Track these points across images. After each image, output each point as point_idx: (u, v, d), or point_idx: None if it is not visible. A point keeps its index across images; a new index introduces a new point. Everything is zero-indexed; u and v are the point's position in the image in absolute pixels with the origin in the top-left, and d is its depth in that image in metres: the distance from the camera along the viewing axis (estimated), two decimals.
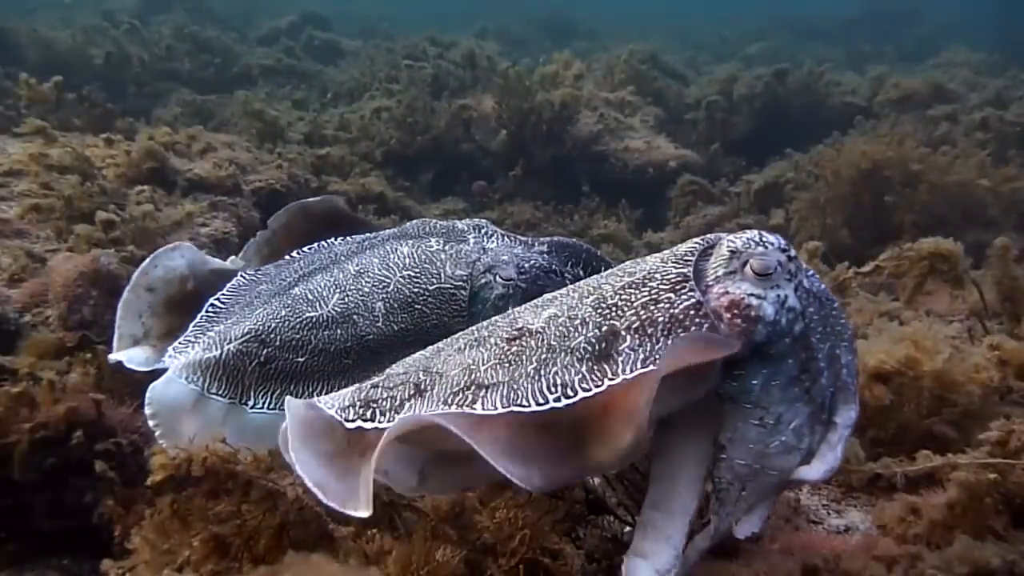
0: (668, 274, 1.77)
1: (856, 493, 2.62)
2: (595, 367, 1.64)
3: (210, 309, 2.38)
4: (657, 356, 1.62)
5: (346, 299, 2.26)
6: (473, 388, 1.66)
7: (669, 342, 1.64)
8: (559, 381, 1.62)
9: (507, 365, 1.69)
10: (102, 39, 11.14)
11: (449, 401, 1.65)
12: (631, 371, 1.60)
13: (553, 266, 2.43)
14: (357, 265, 2.34)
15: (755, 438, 1.70)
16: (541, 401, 1.59)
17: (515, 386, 1.63)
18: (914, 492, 2.33)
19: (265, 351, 2.18)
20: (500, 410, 1.58)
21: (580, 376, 1.62)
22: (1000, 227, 5.80)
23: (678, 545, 1.70)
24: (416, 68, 9.64)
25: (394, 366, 1.92)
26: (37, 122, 5.77)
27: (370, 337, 2.23)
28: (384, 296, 2.27)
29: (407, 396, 1.72)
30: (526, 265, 2.38)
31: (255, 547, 1.92)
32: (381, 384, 1.80)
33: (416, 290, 2.29)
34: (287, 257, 2.54)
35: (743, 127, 9.36)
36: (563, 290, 1.94)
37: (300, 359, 2.18)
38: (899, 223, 5.87)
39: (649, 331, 1.67)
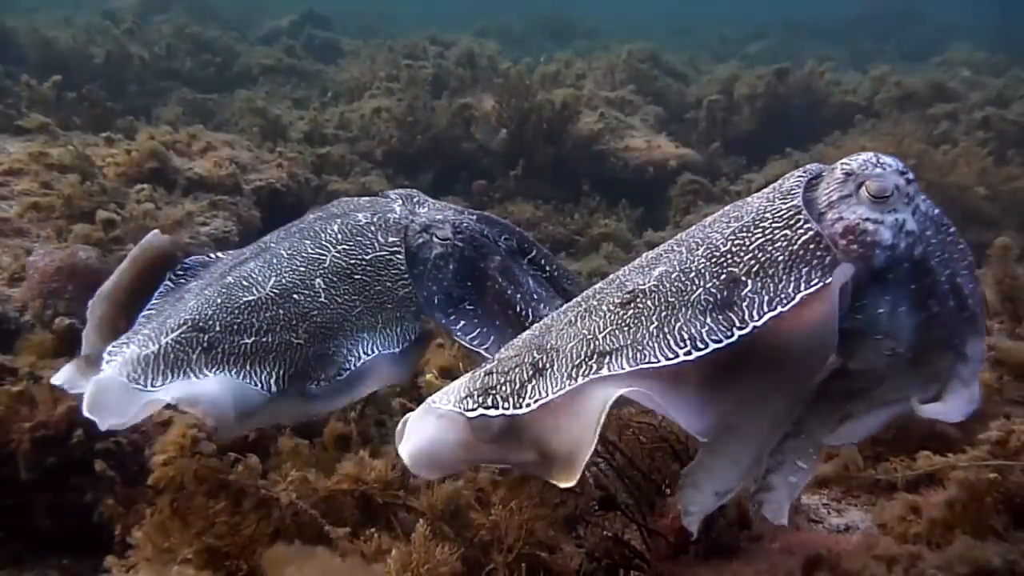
0: (779, 211, 1.71)
1: (856, 492, 2.62)
2: (720, 316, 1.60)
3: (142, 318, 2.28)
4: (783, 296, 1.58)
5: (283, 280, 2.22)
6: (596, 357, 1.62)
7: (792, 280, 1.60)
8: (685, 335, 1.59)
9: (626, 328, 1.65)
10: (103, 38, 11.13)
11: (574, 375, 1.61)
12: (758, 315, 1.58)
13: (486, 232, 2.43)
14: (289, 248, 2.31)
15: (884, 363, 1.67)
16: (671, 356, 1.57)
17: (639, 347, 1.60)
18: (914, 491, 2.33)
19: (207, 337, 2.10)
20: (628, 370, 1.56)
21: (707, 328, 1.59)
22: (1001, 226, 5.79)
23: (743, 472, 1.68)
24: (416, 67, 9.63)
25: (502, 350, 1.87)
26: (40, 118, 5.78)
27: (315, 312, 2.19)
28: (322, 272, 2.24)
29: (527, 377, 1.67)
30: (462, 225, 2.39)
31: (252, 556, 1.92)
32: (495, 370, 1.74)
33: (353, 262, 2.27)
34: (212, 256, 2.48)
35: (744, 126, 9.35)
36: (662, 248, 1.88)
37: (247, 340, 2.12)
38: None
39: (770, 272, 1.62)
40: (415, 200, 2.48)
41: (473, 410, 1.66)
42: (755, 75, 9.93)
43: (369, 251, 2.29)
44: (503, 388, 1.67)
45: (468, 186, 7.81)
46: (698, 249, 1.75)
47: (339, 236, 2.32)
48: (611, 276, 1.92)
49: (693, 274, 1.69)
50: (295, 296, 2.20)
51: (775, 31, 19.80)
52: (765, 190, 1.83)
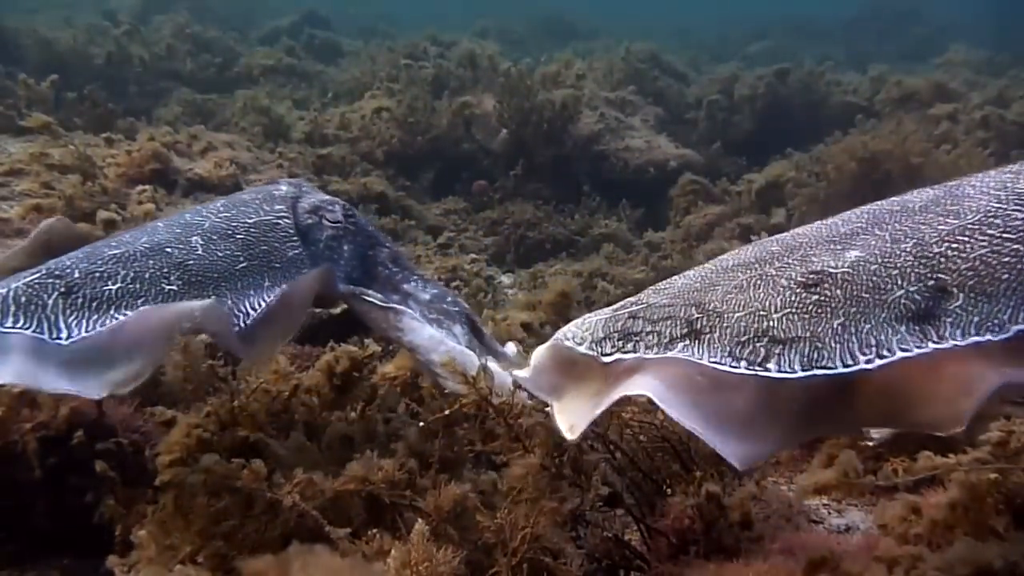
0: (1012, 220, 1.52)
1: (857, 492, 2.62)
2: (916, 328, 1.43)
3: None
4: (995, 321, 1.40)
5: (155, 238, 2.15)
6: (766, 341, 1.47)
7: (1010, 305, 1.42)
8: (873, 340, 1.42)
9: (806, 317, 1.49)
10: (103, 39, 11.13)
11: (737, 353, 1.47)
12: (963, 338, 1.40)
13: (370, 228, 2.50)
14: (167, 221, 2.30)
15: None
16: (850, 363, 1.40)
17: (818, 344, 1.44)
18: (915, 492, 2.33)
19: (64, 283, 1.99)
20: (799, 372, 1.41)
21: (899, 336, 1.42)
22: None
23: None
24: (417, 68, 9.63)
25: (650, 294, 1.73)
26: (43, 117, 5.79)
27: (192, 263, 2.12)
28: (200, 232, 2.19)
29: (678, 334, 1.53)
30: (351, 212, 2.45)
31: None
32: (640, 315, 1.61)
33: (234, 224, 2.24)
34: None
35: (744, 126, 9.36)
36: (854, 221, 1.70)
37: (111, 287, 2.00)
38: None
39: (989, 290, 1.44)
40: (304, 188, 2.52)
41: (610, 354, 1.56)
42: (755, 75, 9.95)
43: (253, 216, 2.28)
44: (648, 338, 1.55)
45: (468, 186, 7.82)
46: (904, 242, 1.56)
47: (220, 208, 2.32)
48: (786, 239, 1.74)
49: (896, 271, 1.52)
50: (168, 250, 2.13)
51: (775, 31, 19.79)
52: (990, 182, 1.66)
